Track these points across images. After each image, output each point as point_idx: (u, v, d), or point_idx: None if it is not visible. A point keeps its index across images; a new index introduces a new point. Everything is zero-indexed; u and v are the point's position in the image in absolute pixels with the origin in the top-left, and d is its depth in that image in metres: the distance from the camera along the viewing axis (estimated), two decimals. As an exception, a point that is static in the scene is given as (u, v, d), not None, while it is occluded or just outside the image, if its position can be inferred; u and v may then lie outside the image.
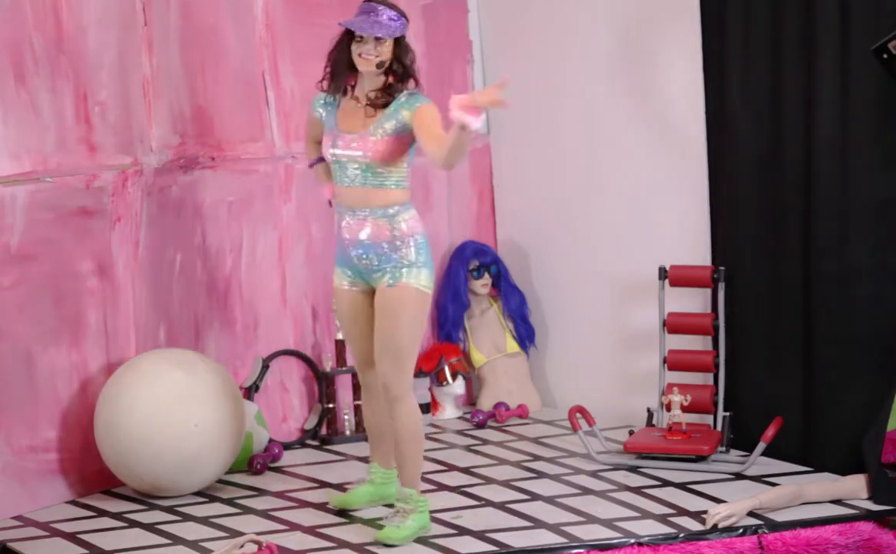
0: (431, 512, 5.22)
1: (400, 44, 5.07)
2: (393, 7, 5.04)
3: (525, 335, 7.15)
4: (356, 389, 6.51)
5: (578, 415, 6.07)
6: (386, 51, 5.03)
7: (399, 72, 5.08)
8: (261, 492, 5.81)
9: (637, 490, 5.57)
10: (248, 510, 5.57)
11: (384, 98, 5.06)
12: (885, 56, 5.25)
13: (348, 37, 5.06)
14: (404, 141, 5.07)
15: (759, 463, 5.72)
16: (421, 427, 5.16)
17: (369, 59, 5.01)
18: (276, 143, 6.52)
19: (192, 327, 6.24)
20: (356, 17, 5.02)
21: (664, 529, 5.10)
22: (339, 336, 6.59)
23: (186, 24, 6.19)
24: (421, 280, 5.08)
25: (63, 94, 5.72)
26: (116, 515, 5.55)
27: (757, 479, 5.62)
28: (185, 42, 6.18)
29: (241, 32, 6.41)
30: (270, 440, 6.34)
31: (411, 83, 5.11)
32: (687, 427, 5.94)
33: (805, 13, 5.75)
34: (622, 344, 6.71)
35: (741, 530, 5.08)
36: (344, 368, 6.61)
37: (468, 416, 6.93)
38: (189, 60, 6.20)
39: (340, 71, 5.10)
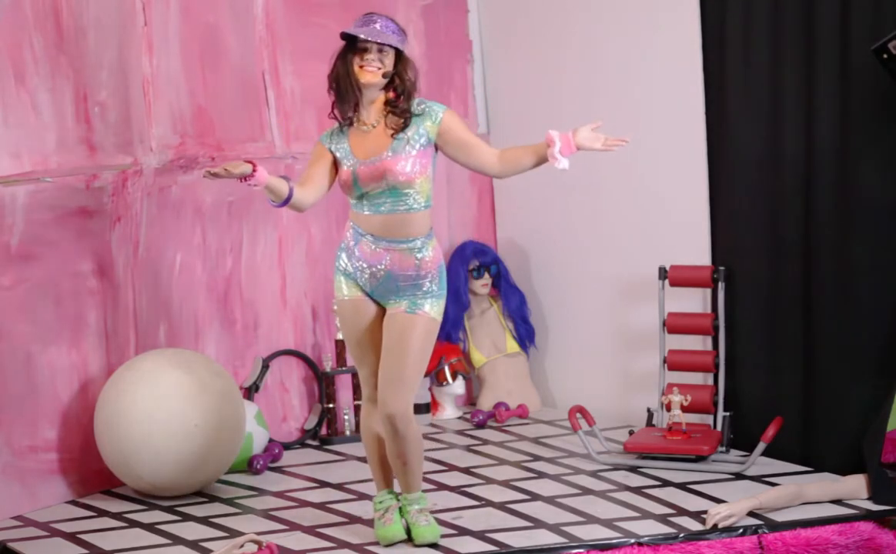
0: (431, 513, 5.21)
1: (402, 58, 4.91)
2: (391, 19, 4.89)
3: (525, 335, 7.15)
4: (356, 389, 6.51)
5: (578, 415, 6.06)
6: (389, 62, 4.86)
7: (399, 89, 4.90)
8: (261, 492, 5.81)
9: (637, 490, 5.57)
10: (248, 510, 5.57)
11: (400, 115, 4.87)
12: (885, 56, 5.25)
13: (347, 52, 4.87)
14: (428, 154, 4.92)
15: (759, 463, 5.72)
16: (421, 436, 5.05)
17: (372, 69, 4.83)
18: (276, 143, 6.53)
19: (192, 327, 6.24)
20: (356, 29, 4.84)
21: (664, 529, 5.09)
22: (339, 336, 6.59)
23: (186, 24, 6.19)
24: (436, 309, 4.95)
25: (63, 94, 5.72)
26: (116, 515, 5.55)
27: (757, 479, 5.62)
28: (185, 42, 6.18)
29: (241, 32, 6.41)
30: (270, 440, 6.34)
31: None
32: (687, 427, 5.94)
33: (805, 13, 5.75)
34: (622, 344, 6.71)
35: (741, 530, 5.08)
36: (344, 368, 6.61)
37: (468, 416, 6.93)
38: (189, 60, 6.20)
39: (347, 87, 4.87)
